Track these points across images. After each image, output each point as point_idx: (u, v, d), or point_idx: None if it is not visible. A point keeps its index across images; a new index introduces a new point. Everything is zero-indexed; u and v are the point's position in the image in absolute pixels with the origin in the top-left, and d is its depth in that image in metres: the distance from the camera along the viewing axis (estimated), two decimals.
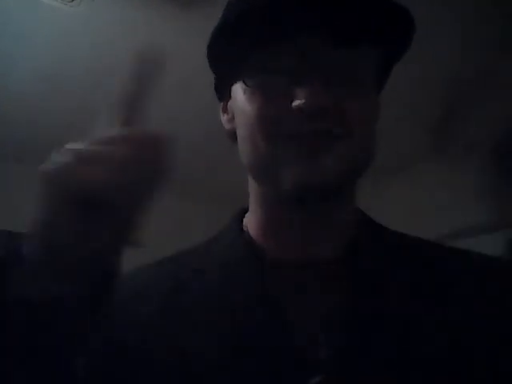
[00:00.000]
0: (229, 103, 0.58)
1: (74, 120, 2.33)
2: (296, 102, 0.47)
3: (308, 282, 0.52)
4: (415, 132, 2.41)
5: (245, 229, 0.58)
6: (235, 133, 0.57)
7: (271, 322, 0.49)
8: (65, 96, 2.15)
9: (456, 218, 2.40)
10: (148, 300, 0.52)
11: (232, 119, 0.57)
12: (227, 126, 0.59)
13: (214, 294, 0.52)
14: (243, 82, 0.52)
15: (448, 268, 0.53)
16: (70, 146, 0.39)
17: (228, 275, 0.53)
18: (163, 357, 0.48)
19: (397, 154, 2.57)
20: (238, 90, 0.53)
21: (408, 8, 0.47)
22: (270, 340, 0.48)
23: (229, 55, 0.52)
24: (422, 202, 2.56)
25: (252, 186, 0.58)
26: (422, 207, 2.55)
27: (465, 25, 1.77)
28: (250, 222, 0.58)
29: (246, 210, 0.61)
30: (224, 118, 0.60)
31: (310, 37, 0.48)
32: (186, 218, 2.99)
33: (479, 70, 2.00)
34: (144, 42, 1.88)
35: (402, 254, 0.55)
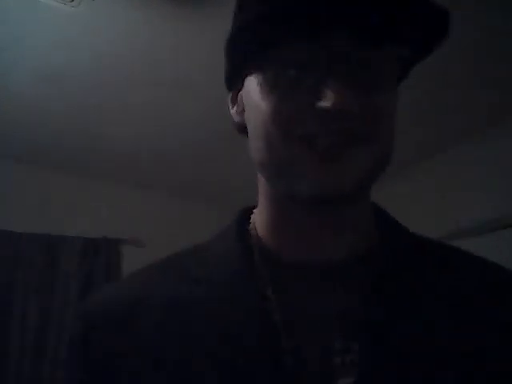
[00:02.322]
0: (240, 93, 0.54)
1: (74, 120, 2.33)
2: (323, 103, 0.44)
3: (321, 284, 0.50)
4: (415, 132, 2.41)
5: (252, 228, 0.56)
6: (245, 126, 0.53)
7: (281, 324, 0.47)
8: (65, 96, 2.15)
9: (456, 218, 2.40)
10: (148, 310, 0.51)
11: (242, 112, 0.54)
12: (236, 119, 0.55)
13: (218, 299, 0.50)
14: (262, 74, 0.48)
15: (465, 274, 0.52)
16: None
17: (234, 277, 0.51)
18: (166, 367, 0.47)
19: (397, 154, 2.57)
20: (253, 83, 0.49)
21: (446, 9, 0.44)
22: (279, 345, 0.46)
23: (251, 45, 0.48)
24: (422, 202, 2.56)
25: (262, 185, 0.55)
26: (421, 207, 2.55)
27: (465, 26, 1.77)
28: (259, 222, 0.55)
29: (251, 208, 0.59)
30: (233, 109, 0.56)
31: (338, 36, 0.45)
32: (185, 218, 2.99)
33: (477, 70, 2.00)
34: (144, 42, 1.89)
35: (419, 256, 0.53)
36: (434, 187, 2.56)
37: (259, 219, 0.56)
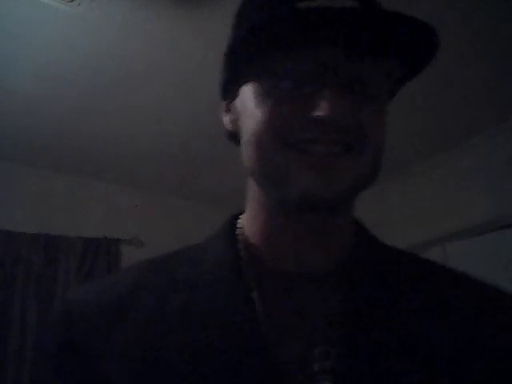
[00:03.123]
0: (234, 103, 0.55)
1: (74, 120, 2.33)
2: (318, 112, 0.45)
3: (306, 290, 0.51)
4: (415, 132, 2.41)
5: (240, 233, 0.56)
6: (237, 135, 0.55)
7: (265, 332, 0.48)
8: (65, 96, 2.15)
9: (456, 218, 2.40)
10: (135, 310, 0.50)
11: (235, 121, 0.55)
12: (229, 127, 0.57)
13: (204, 301, 0.50)
14: (258, 84, 0.50)
15: (438, 286, 0.54)
16: None
17: (221, 281, 0.51)
18: (149, 370, 0.46)
19: (396, 154, 2.57)
20: (249, 92, 0.51)
21: (434, 26, 0.45)
22: (260, 355, 0.46)
23: (248, 55, 0.49)
24: (422, 202, 2.57)
25: (252, 190, 0.56)
26: (421, 207, 2.55)
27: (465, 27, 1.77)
28: (247, 227, 0.56)
29: (239, 213, 0.59)
30: (227, 118, 0.57)
31: (334, 47, 0.47)
32: (185, 218, 2.99)
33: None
34: (144, 42, 1.88)
35: (397, 268, 0.55)
36: (434, 187, 2.57)
37: (248, 224, 0.56)
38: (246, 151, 0.52)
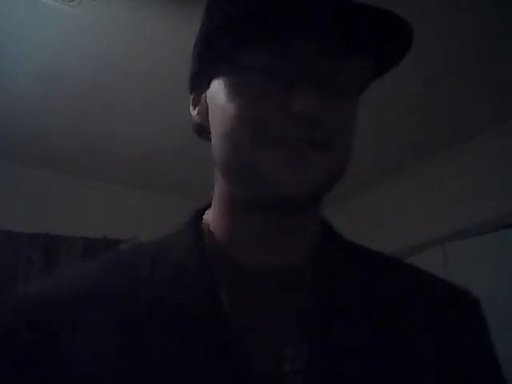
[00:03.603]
0: (203, 95, 0.54)
1: (74, 120, 2.33)
2: (297, 107, 0.45)
3: (273, 289, 0.50)
4: (415, 131, 2.41)
5: (206, 229, 0.55)
6: (206, 128, 0.53)
7: (234, 332, 0.47)
8: (65, 96, 2.15)
9: (456, 218, 2.40)
10: (96, 307, 0.48)
11: (205, 113, 0.53)
12: (197, 120, 0.55)
13: (169, 304, 0.48)
14: (231, 77, 0.48)
15: (402, 285, 0.55)
16: None
17: (188, 281, 0.50)
18: (113, 370, 0.44)
19: (396, 153, 2.57)
20: (221, 85, 0.49)
21: (408, 21, 0.45)
22: (230, 356, 0.45)
23: (221, 47, 0.48)
24: (422, 202, 2.57)
25: (220, 185, 0.54)
26: (421, 207, 2.55)
27: (464, 24, 1.77)
28: (214, 223, 0.55)
29: (204, 208, 0.58)
30: (195, 110, 0.55)
31: (309, 42, 0.46)
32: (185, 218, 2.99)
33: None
34: (144, 41, 1.88)
35: (365, 266, 0.55)
36: (434, 187, 2.57)
37: (214, 220, 0.55)
38: (217, 146, 0.50)
